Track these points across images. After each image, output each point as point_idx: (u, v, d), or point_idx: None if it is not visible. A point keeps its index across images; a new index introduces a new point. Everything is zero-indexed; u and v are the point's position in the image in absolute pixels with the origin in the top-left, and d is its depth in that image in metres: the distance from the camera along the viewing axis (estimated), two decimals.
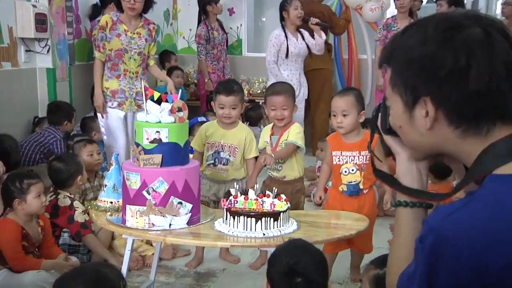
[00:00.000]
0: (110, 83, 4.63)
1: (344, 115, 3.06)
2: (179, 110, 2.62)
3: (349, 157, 3.11)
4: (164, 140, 2.57)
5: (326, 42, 6.53)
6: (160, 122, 2.59)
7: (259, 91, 7.08)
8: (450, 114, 1.07)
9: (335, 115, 3.11)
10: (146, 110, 2.64)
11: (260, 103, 6.38)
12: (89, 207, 2.95)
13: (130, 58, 4.60)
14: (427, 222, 1.03)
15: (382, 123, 1.26)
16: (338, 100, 3.11)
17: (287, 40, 5.66)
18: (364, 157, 3.08)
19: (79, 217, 3.46)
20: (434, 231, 1.00)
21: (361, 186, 3.13)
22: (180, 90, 3.70)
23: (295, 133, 3.33)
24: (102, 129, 4.74)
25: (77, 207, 3.49)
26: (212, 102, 3.55)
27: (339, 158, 3.14)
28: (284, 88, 3.42)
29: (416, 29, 1.11)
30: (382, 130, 1.27)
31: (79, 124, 5.25)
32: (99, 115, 4.71)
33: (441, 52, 1.05)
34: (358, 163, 3.10)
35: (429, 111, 1.08)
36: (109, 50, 4.58)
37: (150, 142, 2.57)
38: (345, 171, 3.13)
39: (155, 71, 4.93)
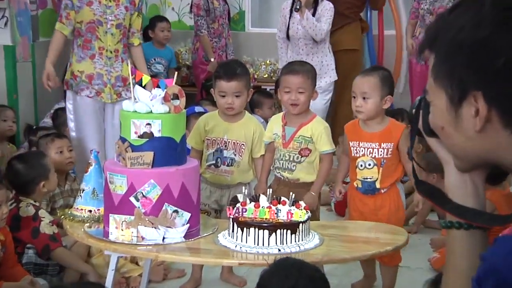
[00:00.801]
0: (84, 66, 4.49)
1: (364, 98, 3.13)
2: (175, 97, 2.64)
3: (367, 149, 3.19)
4: (156, 134, 2.59)
5: (360, 19, 6.54)
6: (151, 112, 2.60)
7: (266, 75, 7.09)
8: (506, 115, 1.06)
9: (354, 97, 3.18)
10: (134, 97, 2.65)
11: (268, 89, 6.39)
12: (62, 217, 2.95)
13: (106, 32, 4.46)
14: (486, 260, 1.03)
15: (424, 123, 1.24)
16: (359, 80, 3.20)
17: (290, 16, 5.68)
18: (385, 150, 3.16)
19: (46, 228, 3.44)
20: (495, 274, 1.00)
21: (377, 185, 3.19)
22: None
23: (326, 137, 3.32)
24: (71, 124, 4.59)
25: (43, 217, 3.48)
26: (211, 89, 3.56)
27: (356, 149, 3.22)
28: (303, 68, 3.43)
29: (468, 6, 1.09)
30: (425, 132, 1.26)
31: (49, 116, 5.25)
32: (68, 105, 4.57)
33: (498, 37, 1.03)
34: (376, 156, 3.16)
35: (480, 110, 1.07)
36: (78, 22, 4.44)
37: (139, 137, 2.59)
38: (361, 165, 3.21)
39: (138, 56, 4.70)
